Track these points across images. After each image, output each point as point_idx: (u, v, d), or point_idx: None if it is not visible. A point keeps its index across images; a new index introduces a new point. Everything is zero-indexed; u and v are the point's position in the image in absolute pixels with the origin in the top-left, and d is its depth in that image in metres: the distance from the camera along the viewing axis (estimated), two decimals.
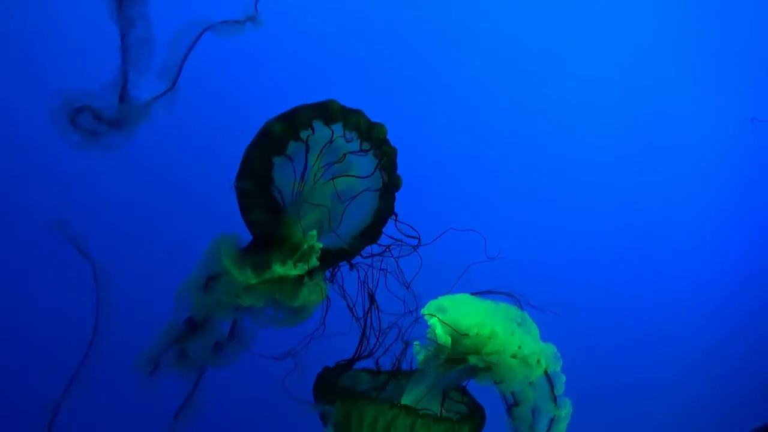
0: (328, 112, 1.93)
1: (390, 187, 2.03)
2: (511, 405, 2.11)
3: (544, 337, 2.09)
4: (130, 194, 2.94)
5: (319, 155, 1.96)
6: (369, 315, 2.05)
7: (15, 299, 2.79)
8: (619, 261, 3.73)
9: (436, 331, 2.03)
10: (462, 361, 2.05)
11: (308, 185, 1.98)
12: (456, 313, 2.05)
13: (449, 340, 2.02)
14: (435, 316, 2.03)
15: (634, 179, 3.73)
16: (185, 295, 1.86)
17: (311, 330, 1.98)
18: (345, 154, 1.98)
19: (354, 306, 2.05)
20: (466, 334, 2.03)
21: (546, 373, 2.08)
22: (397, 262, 2.06)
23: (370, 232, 2.05)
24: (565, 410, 2.09)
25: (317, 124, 1.93)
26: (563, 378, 2.08)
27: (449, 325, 2.02)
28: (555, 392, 2.08)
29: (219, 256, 1.87)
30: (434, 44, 3.44)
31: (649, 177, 3.75)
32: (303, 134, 1.93)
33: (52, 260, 2.70)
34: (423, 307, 2.06)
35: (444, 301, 2.07)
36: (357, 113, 1.96)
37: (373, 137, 1.98)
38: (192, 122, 2.62)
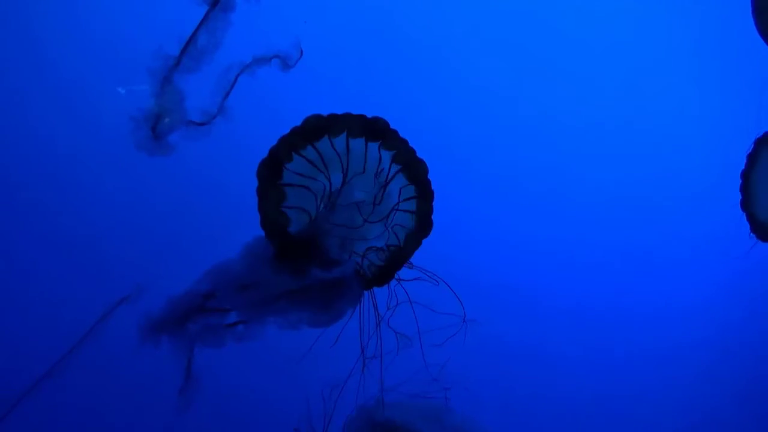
0: (371, 126, 1.91)
1: (419, 233, 2.01)
2: None
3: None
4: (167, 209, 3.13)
5: (347, 170, 1.94)
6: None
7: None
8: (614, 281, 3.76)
9: None
10: None
11: (339, 199, 1.96)
12: None
13: None
14: None
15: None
16: (213, 277, 1.87)
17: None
18: (377, 179, 1.96)
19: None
20: None
21: None
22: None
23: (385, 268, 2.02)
24: None
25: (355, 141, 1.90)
26: None
27: None
28: None
29: (256, 256, 1.89)
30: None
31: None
32: (335, 135, 1.90)
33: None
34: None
35: None
36: (401, 140, 1.94)
37: (413, 171, 1.97)
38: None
